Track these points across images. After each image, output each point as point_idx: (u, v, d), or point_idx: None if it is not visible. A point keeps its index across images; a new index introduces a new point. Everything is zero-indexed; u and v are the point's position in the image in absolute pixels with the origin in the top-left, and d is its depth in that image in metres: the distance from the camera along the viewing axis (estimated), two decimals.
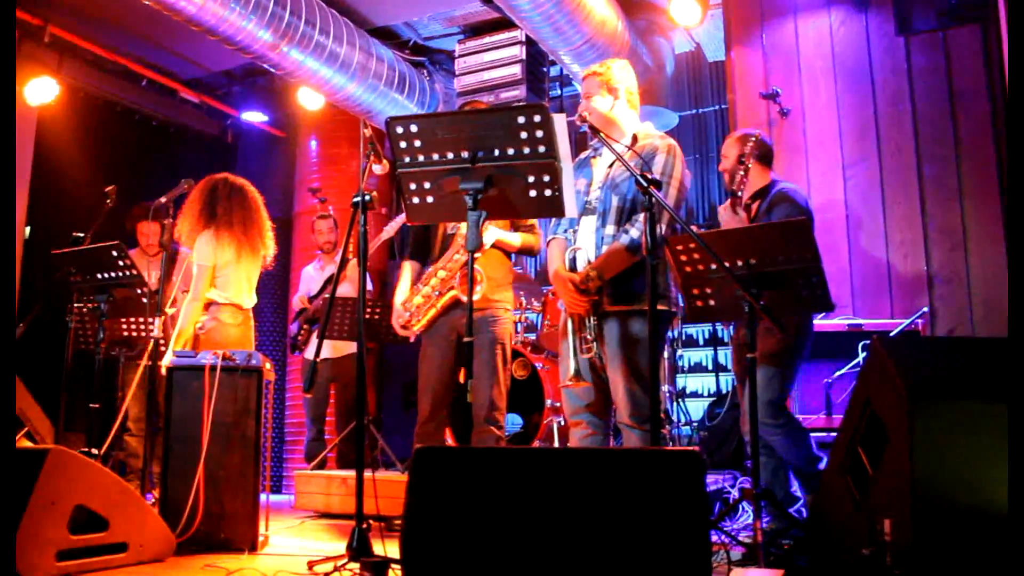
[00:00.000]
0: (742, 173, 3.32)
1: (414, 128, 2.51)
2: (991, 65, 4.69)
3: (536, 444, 4.92)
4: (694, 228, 2.96)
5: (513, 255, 3.91)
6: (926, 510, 1.92)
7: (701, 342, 6.48)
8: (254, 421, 3.30)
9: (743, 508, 3.84)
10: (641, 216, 2.85)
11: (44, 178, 5.99)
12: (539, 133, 2.40)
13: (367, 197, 2.83)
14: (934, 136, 4.82)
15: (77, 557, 2.67)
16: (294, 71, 5.50)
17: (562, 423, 4.84)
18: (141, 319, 4.48)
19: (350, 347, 5.43)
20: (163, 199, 3.91)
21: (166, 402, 3.39)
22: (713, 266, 2.83)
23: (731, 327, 5.61)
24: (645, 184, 2.56)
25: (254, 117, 7.43)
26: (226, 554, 3.11)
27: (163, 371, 3.54)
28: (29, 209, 5.86)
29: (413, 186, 2.59)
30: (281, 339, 7.19)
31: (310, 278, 5.81)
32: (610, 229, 2.97)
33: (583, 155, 3.27)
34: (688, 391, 6.40)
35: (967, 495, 1.93)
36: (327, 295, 5.37)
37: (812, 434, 3.58)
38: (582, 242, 3.03)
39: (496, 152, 2.46)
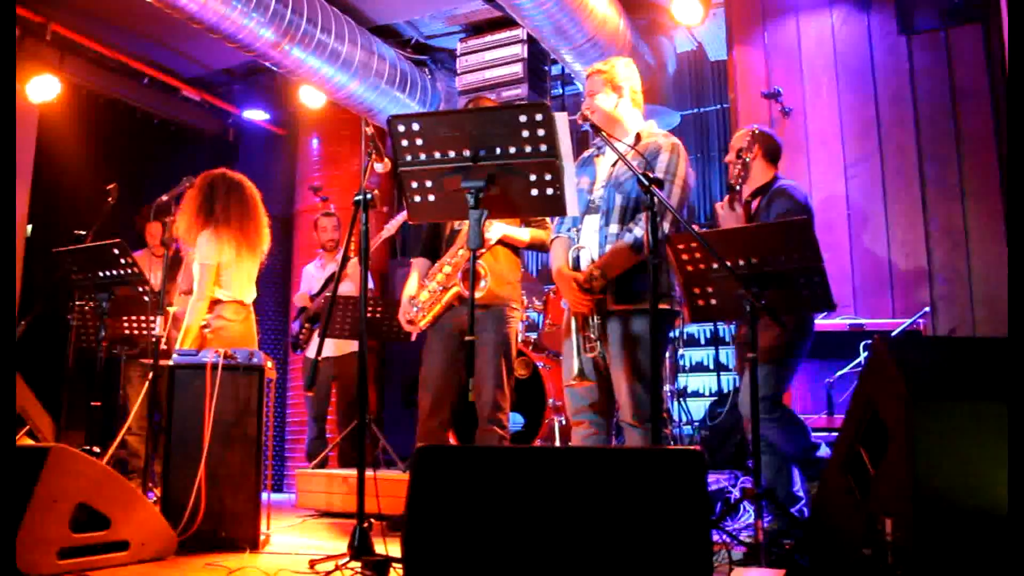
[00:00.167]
0: (739, 167, 3.32)
1: (416, 126, 2.51)
2: (993, 64, 4.68)
3: (537, 443, 4.92)
4: (695, 227, 2.96)
5: (524, 252, 3.87)
6: (927, 510, 1.92)
7: (702, 341, 6.48)
8: (255, 420, 3.30)
9: (744, 508, 3.84)
10: (643, 215, 2.85)
11: (46, 176, 6.00)
12: (541, 132, 2.40)
13: (368, 196, 2.83)
14: (936, 135, 4.82)
15: (79, 555, 2.67)
16: (296, 69, 5.51)
17: (563, 422, 4.85)
18: (142, 317, 4.49)
19: (352, 345, 5.43)
20: (164, 197, 3.91)
21: (168, 401, 3.39)
22: (714, 265, 2.83)
23: (733, 326, 5.62)
24: (647, 183, 2.56)
25: (255, 115, 7.43)
26: (227, 553, 3.11)
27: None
28: (31, 207, 5.86)
29: (415, 184, 2.59)
30: (282, 338, 7.19)
31: (311, 276, 5.81)
32: (614, 228, 2.97)
33: (586, 153, 3.26)
34: (689, 390, 6.40)
35: (968, 495, 1.93)
36: (328, 293, 5.37)
37: (813, 435, 3.58)
38: (585, 241, 3.03)
39: (498, 151, 2.46)
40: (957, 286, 4.66)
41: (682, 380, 6.31)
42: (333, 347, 5.48)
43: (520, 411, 5.08)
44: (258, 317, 4.30)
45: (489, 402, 3.53)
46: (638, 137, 3.09)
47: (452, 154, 2.50)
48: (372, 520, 2.73)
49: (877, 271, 4.85)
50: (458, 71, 6.20)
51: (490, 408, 3.53)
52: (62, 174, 6.11)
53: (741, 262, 2.82)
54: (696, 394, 6.46)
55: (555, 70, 6.51)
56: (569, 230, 3.11)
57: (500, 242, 3.68)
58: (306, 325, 5.58)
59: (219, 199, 3.99)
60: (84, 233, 4.09)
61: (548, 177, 2.46)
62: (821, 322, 4.20)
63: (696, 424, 5.59)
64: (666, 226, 2.91)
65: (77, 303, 4.09)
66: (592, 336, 2.93)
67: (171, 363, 3.44)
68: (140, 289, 3.81)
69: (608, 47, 5.37)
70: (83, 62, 6.37)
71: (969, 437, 1.96)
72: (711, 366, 6.45)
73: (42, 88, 5.74)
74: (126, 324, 4.54)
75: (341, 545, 2.97)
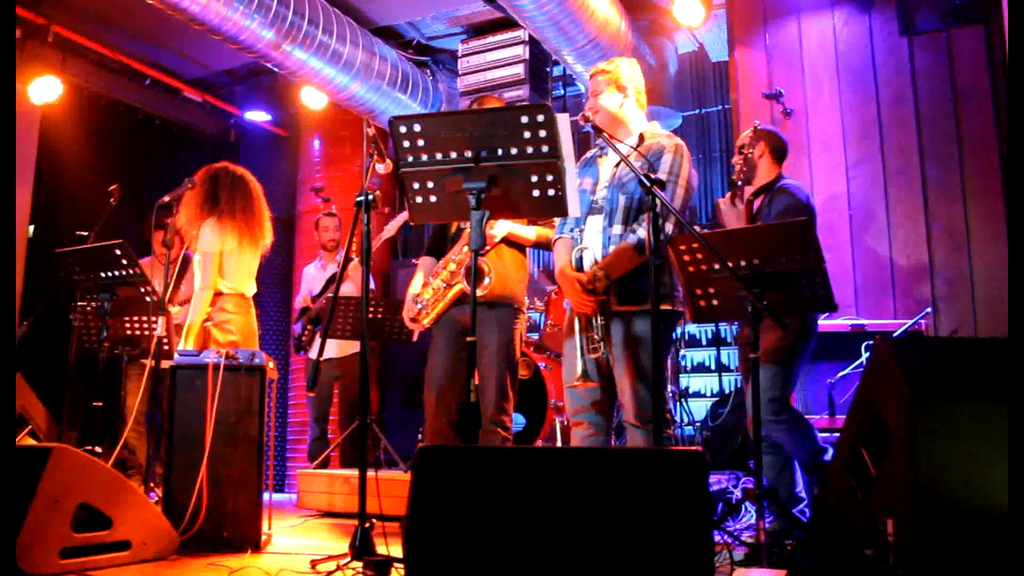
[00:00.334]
0: (741, 163, 3.32)
1: (417, 128, 2.51)
2: (994, 65, 4.68)
3: (539, 444, 4.92)
4: (697, 228, 2.96)
5: (529, 252, 3.85)
6: (929, 511, 1.92)
7: (704, 342, 6.48)
8: (257, 420, 3.30)
9: (746, 508, 3.84)
10: (647, 216, 2.84)
11: (48, 177, 6.01)
12: (542, 133, 2.40)
13: (370, 197, 2.83)
14: (937, 136, 4.82)
15: (80, 555, 2.67)
16: (297, 70, 5.51)
17: (565, 423, 4.85)
18: (144, 318, 4.49)
19: (355, 346, 5.43)
20: (166, 198, 3.91)
21: (170, 401, 3.40)
22: (716, 266, 2.83)
23: (735, 326, 5.62)
24: (648, 184, 2.56)
25: (257, 116, 7.44)
26: (229, 553, 3.11)
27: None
28: (33, 208, 5.87)
29: (416, 185, 2.59)
30: (284, 338, 7.20)
31: (311, 277, 5.82)
32: (617, 228, 2.96)
33: (589, 154, 3.25)
34: (691, 391, 6.39)
35: (970, 496, 1.93)
36: (330, 295, 5.37)
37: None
38: (588, 241, 3.02)
39: (499, 152, 2.46)
40: (959, 286, 4.65)
41: (683, 381, 6.31)
42: (336, 348, 5.48)
43: (522, 412, 5.08)
44: (260, 317, 4.30)
45: (492, 404, 3.50)
46: (641, 138, 3.09)
47: (454, 155, 2.50)
48: (374, 520, 2.73)
49: (879, 272, 4.85)
50: (459, 72, 6.21)
51: (493, 410, 3.50)
52: (64, 175, 6.12)
53: (743, 263, 2.82)
54: (698, 395, 6.46)
55: (556, 71, 6.52)
56: (572, 231, 3.10)
57: (505, 240, 3.65)
58: (308, 326, 5.59)
59: (223, 190, 4.00)
60: (86, 234, 4.09)
61: (550, 178, 2.46)
62: (823, 323, 4.19)
63: (698, 425, 5.59)
64: (669, 227, 2.91)
65: (79, 303, 4.09)
66: (596, 337, 2.93)
67: (173, 363, 3.44)
68: (142, 290, 3.81)
69: (610, 48, 5.37)
70: (85, 63, 6.37)
71: (971, 438, 1.96)
72: (712, 367, 6.45)
73: (44, 89, 5.75)
74: (128, 324, 4.54)
75: (343, 545, 2.97)
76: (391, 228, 5.11)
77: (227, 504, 3.24)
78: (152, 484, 3.89)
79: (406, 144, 2.53)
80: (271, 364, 3.42)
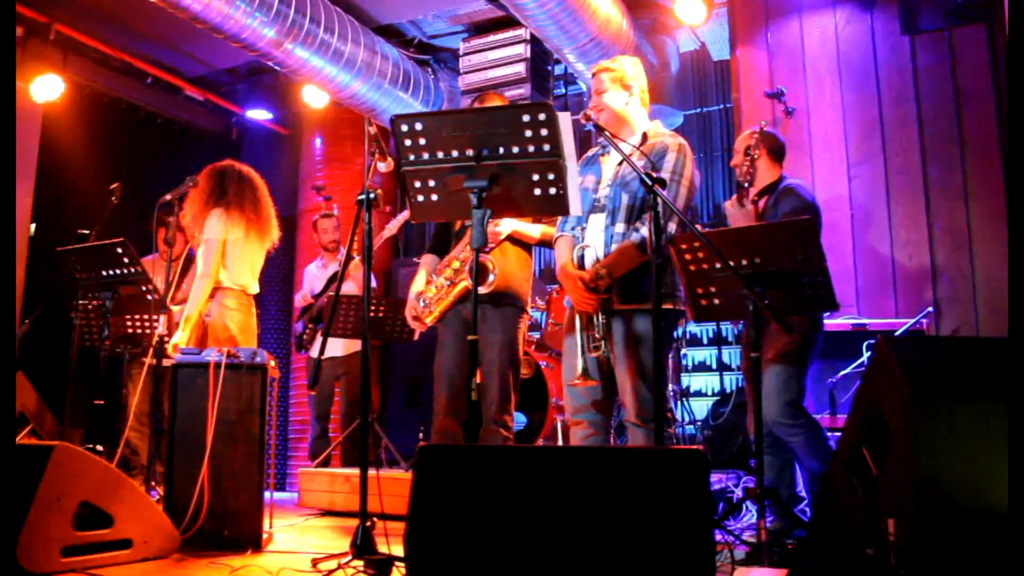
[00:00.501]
0: (747, 164, 3.31)
1: (419, 126, 2.51)
2: (996, 65, 4.68)
3: (540, 442, 4.92)
4: (698, 227, 2.95)
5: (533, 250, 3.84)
6: (930, 510, 1.92)
7: (705, 341, 6.48)
8: (258, 418, 3.30)
9: (747, 507, 3.84)
10: (648, 215, 2.84)
11: (49, 175, 6.01)
12: (544, 131, 2.40)
13: (371, 195, 2.83)
14: (939, 136, 4.81)
15: (82, 553, 2.67)
16: (299, 69, 5.51)
17: (566, 422, 4.84)
18: (145, 316, 4.50)
19: (357, 345, 5.43)
20: (168, 196, 3.91)
21: (170, 399, 3.40)
22: (717, 265, 2.83)
23: (738, 326, 5.61)
24: (650, 183, 2.55)
25: (259, 115, 7.44)
26: (230, 552, 3.11)
27: (170, 351, 3.54)
28: (34, 206, 5.87)
29: (418, 184, 2.59)
30: (286, 336, 7.20)
31: (313, 276, 5.82)
32: (620, 227, 2.96)
33: (591, 152, 3.25)
34: (692, 390, 6.39)
35: (971, 495, 1.93)
36: (331, 293, 5.37)
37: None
38: (590, 240, 3.02)
39: (501, 150, 2.46)
40: (960, 286, 4.65)
41: (684, 380, 6.31)
42: (340, 346, 5.48)
43: (522, 410, 5.08)
44: (261, 316, 4.30)
45: (495, 403, 3.49)
46: (644, 137, 3.08)
47: (455, 154, 2.50)
48: (375, 519, 2.73)
49: (880, 271, 4.85)
50: (461, 71, 6.21)
51: (496, 409, 3.49)
52: (65, 173, 6.13)
53: (744, 262, 2.82)
54: (699, 394, 6.46)
55: (558, 70, 6.52)
56: (573, 229, 3.10)
57: (510, 238, 3.64)
58: (309, 325, 5.59)
59: (231, 183, 4.01)
60: (88, 232, 4.10)
61: (551, 177, 2.46)
62: (824, 322, 4.19)
63: (699, 424, 5.58)
64: (672, 226, 2.90)
65: (80, 302, 4.10)
66: (597, 335, 2.92)
67: (174, 362, 3.44)
68: (143, 288, 3.81)
69: (611, 47, 5.37)
70: (86, 62, 6.38)
71: (972, 438, 1.96)
72: (714, 366, 6.44)
73: (46, 88, 5.76)
74: (129, 323, 4.55)
75: (344, 544, 2.97)
76: (392, 227, 5.10)
77: (228, 503, 3.24)
78: (153, 483, 3.89)
79: (407, 143, 2.53)
80: (272, 363, 3.42)
